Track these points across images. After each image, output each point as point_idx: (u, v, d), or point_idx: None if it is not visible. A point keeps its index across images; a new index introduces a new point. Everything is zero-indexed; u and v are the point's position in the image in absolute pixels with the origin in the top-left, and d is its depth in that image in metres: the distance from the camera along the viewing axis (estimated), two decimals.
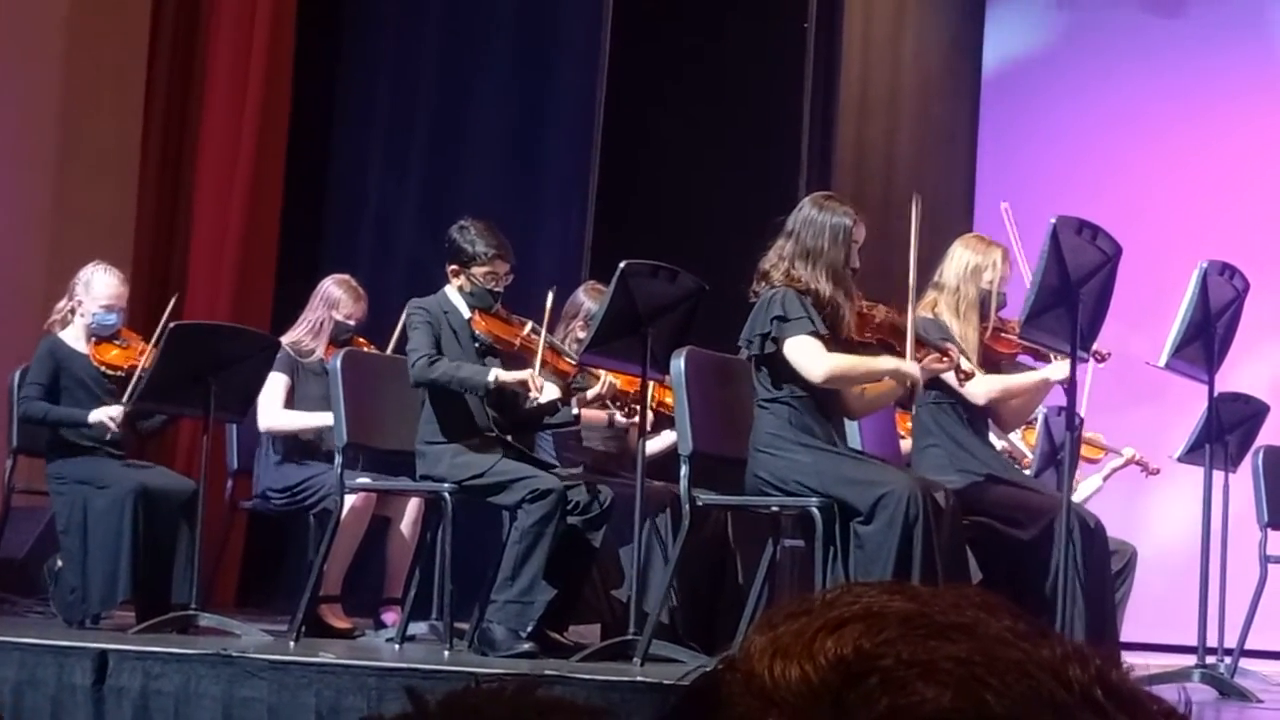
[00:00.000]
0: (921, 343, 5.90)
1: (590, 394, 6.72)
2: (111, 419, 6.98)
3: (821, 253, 5.83)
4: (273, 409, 7.38)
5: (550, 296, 6.62)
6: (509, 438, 6.54)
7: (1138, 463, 7.97)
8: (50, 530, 7.38)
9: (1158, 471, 7.93)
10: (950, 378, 6.01)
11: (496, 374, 6.35)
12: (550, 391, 6.49)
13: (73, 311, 7.25)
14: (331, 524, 6.75)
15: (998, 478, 6.19)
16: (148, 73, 9.67)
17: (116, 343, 7.26)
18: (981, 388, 6.12)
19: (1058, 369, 6.18)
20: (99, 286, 7.23)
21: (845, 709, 0.88)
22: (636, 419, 6.55)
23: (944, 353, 5.86)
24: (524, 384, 6.34)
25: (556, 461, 6.92)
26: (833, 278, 5.83)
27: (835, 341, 5.81)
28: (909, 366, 5.76)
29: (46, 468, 7.17)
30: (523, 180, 9.59)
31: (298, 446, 7.46)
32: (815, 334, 5.76)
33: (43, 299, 7.76)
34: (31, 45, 9.26)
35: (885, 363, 5.81)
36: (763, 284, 5.89)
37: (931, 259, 6.45)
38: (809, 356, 5.76)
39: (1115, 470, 8.00)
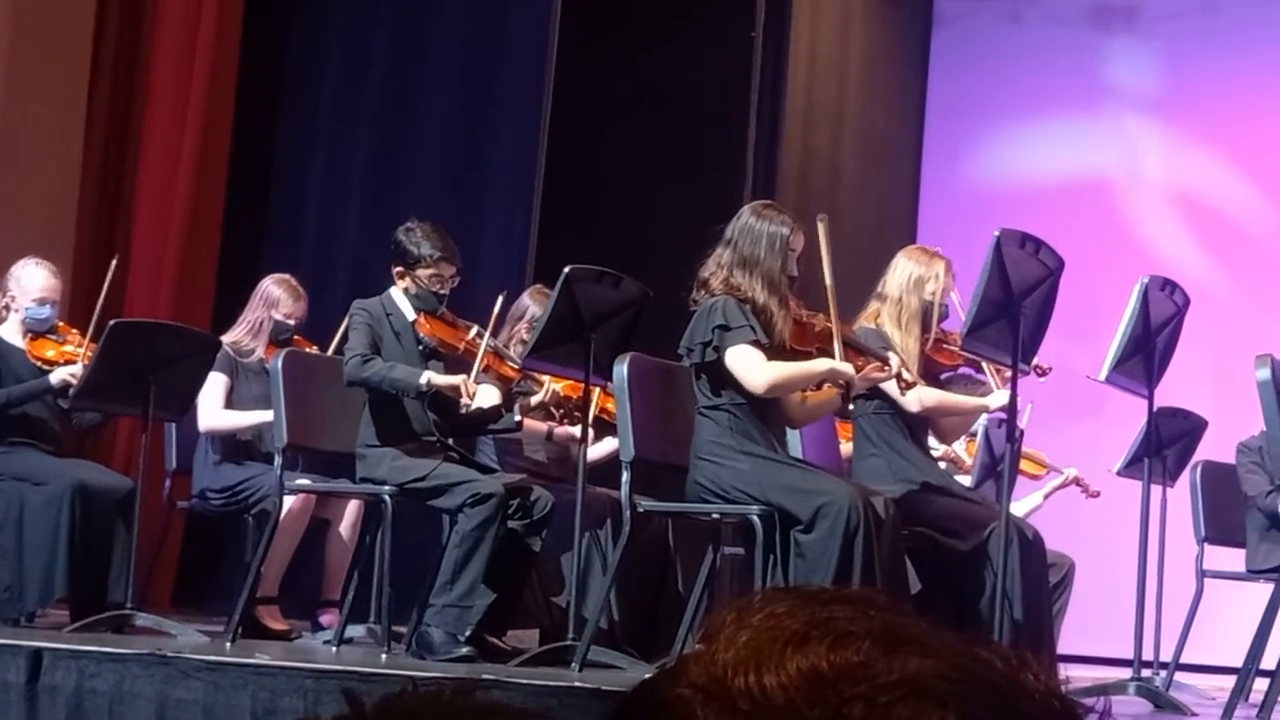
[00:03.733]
0: (862, 351, 5.92)
1: (533, 400, 6.71)
2: (72, 375, 6.94)
3: (758, 261, 5.85)
4: (212, 409, 7.34)
5: (499, 301, 6.61)
6: (450, 441, 6.53)
7: (1078, 483, 8.01)
8: None
9: (1098, 494, 7.98)
10: (891, 386, 6.03)
11: (429, 376, 6.33)
12: (488, 396, 6.47)
13: (6, 308, 7.21)
14: (270, 525, 6.71)
15: (937, 488, 6.21)
16: (91, 69, 9.61)
17: (53, 338, 7.21)
18: (920, 397, 6.14)
19: (997, 398, 6.23)
20: (30, 280, 7.19)
21: None
22: (578, 426, 6.55)
23: (884, 361, 5.87)
24: (456, 389, 6.32)
25: (498, 466, 6.90)
26: (768, 286, 5.84)
27: (769, 349, 5.83)
28: (843, 366, 5.79)
29: None
30: (467, 183, 9.58)
31: (237, 447, 7.42)
32: (756, 343, 5.77)
33: None
34: None
35: (821, 365, 5.83)
36: (702, 292, 5.91)
37: (874, 271, 6.47)
38: (749, 367, 5.77)
39: (1055, 489, 8.05)
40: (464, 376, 6.32)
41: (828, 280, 5.89)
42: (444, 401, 6.46)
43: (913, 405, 6.17)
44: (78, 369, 6.96)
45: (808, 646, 0.89)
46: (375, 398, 6.40)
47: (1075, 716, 0.91)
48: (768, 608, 0.93)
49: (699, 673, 0.92)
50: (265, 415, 7.14)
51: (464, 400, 6.33)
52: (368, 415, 6.42)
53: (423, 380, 6.31)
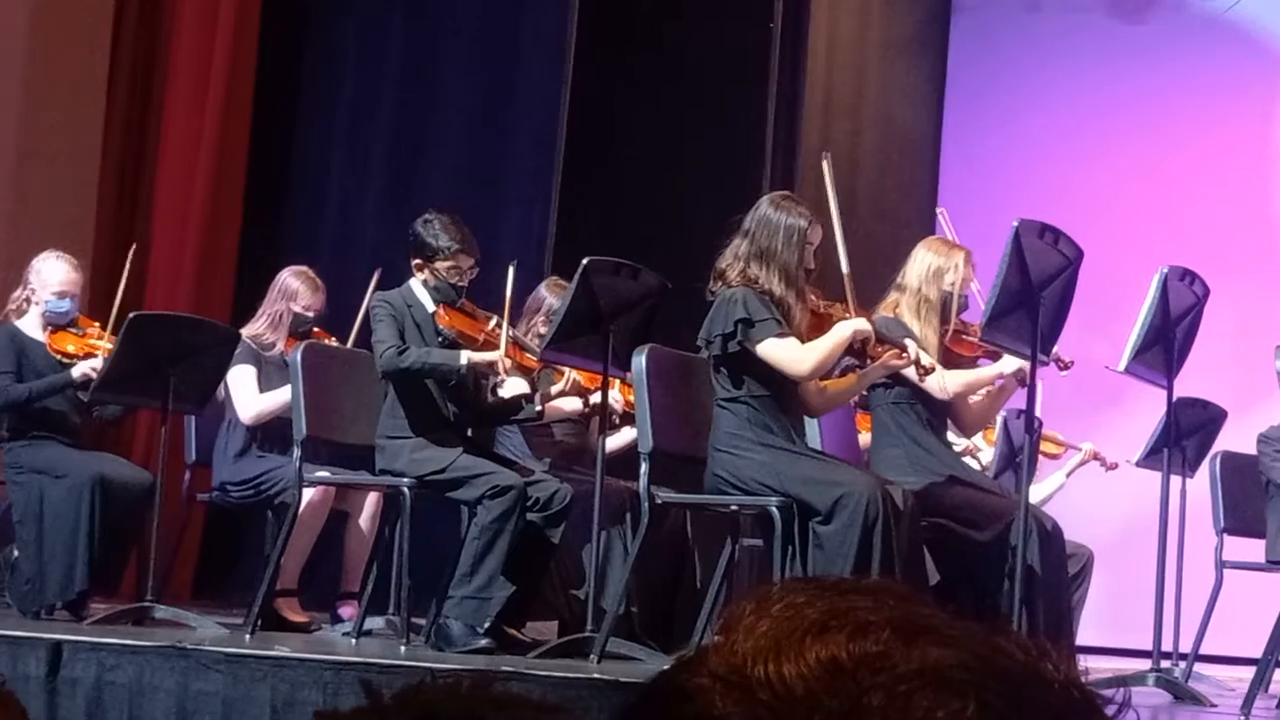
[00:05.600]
0: (880, 339, 5.92)
1: (554, 390, 6.71)
2: (93, 370, 6.95)
3: (775, 253, 5.85)
4: (250, 398, 7.33)
5: (511, 272, 6.60)
6: (469, 433, 6.54)
7: (1096, 457, 7.99)
8: (7, 520, 7.34)
9: (1115, 466, 7.96)
10: (911, 373, 6.03)
11: (468, 355, 6.35)
12: (517, 386, 6.48)
13: (28, 300, 7.22)
14: (289, 517, 6.72)
15: (957, 479, 6.21)
16: (110, 63, 9.62)
17: (73, 331, 7.22)
18: (947, 382, 6.14)
19: (1009, 362, 6.21)
20: (51, 273, 7.20)
21: (846, 716, 0.87)
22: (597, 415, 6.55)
23: (901, 349, 5.87)
24: (493, 365, 6.34)
25: (517, 457, 6.90)
26: (785, 279, 5.84)
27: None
28: (859, 324, 5.81)
29: (3, 457, 7.13)
30: (486, 175, 9.58)
31: (258, 437, 7.42)
32: (783, 333, 5.78)
33: (0, 290, 7.71)
34: None
35: (844, 330, 5.84)
36: (719, 283, 5.91)
37: (894, 262, 6.46)
38: (790, 356, 5.78)
39: (1076, 467, 8.02)
40: (498, 352, 6.34)
41: (844, 269, 5.90)
42: (464, 393, 6.47)
43: (946, 392, 6.17)
44: (99, 363, 6.96)
45: (827, 636, 0.89)
46: (399, 389, 6.40)
47: (1094, 706, 0.91)
48: (787, 598, 0.93)
49: (718, 662, 0.92)
50: None
51: (499, 377, 6.34)
52: (388, 407, 6.42)
53: (463, 360, 6.32)
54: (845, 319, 5.89)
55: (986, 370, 6.33)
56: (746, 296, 5.79)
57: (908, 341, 5.93)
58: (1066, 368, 6.37)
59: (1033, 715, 0.88)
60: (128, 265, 7.44)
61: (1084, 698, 0.91)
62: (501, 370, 6.34)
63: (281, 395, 7.28)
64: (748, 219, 5.94)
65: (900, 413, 6.25)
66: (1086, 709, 0.90)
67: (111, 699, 5.50)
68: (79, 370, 7.01)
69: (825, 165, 6.05)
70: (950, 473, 6.21)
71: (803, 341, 5.85)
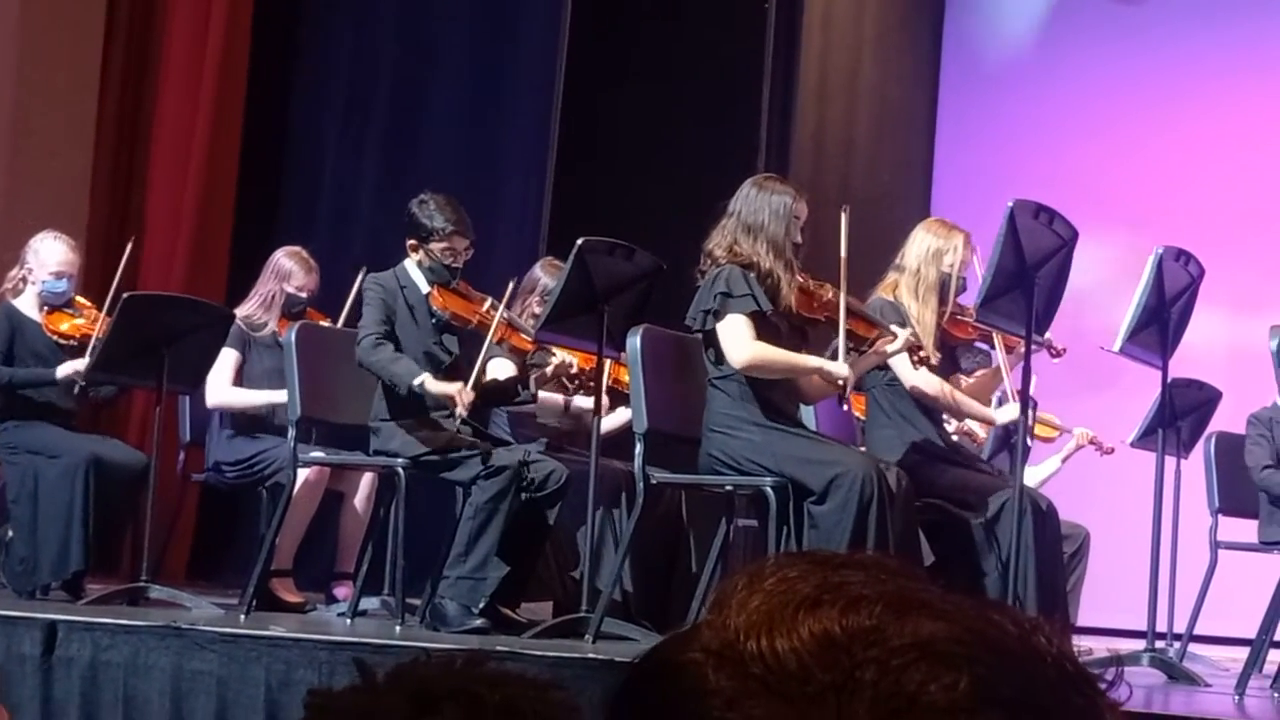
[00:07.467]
0: (873, 324, 5.92)
1: (549, 371, 6.70)
2: (77, 372, 6.94)
3: (762, 227, 5.87)
4: (220, 386, 7.34)
5: (510, 287, 6.60)
6: (464, 414, 6.52)
7: (1092, 442, 7.99)
8: (1, 500, 7.33)
9: (1112, 451, 7.96)
10: (898, 362, 6.03)
11: (425, 379, 6.27)
12: (503, 368, 6.47)
13: (24, 280, 7.21)
14: (284, 498, 6.72)
15: (951, 459, 6.21)
16: (105, 43, 9.60)
17: (69, 312, 7.22)
18: (924, 383, 6.15)
19: (1005, 413, 6.26)
20: (48, 253, 7.19)
21: (839, 690, 0.87)
22: (591, 397, 6.54)
23: (893, 335, 5.88)
24: (450, 399, 6.27)
25: (511, 438, 6.90)
26: (774, 251, 5.86)
27: (775, 314, 5.83)
28: (838, 367, 5.77)
29: None
30: (481, 155, 9.56)
31: (249, 420, 7.42)
32: (757, 313, 5.77)
33: None
34: None
35: (812, 361, 5.84)
36: (708, 262, 5.92)
37: (888, 243, 6.46)
38: (736, 339, 5.78)
39: (1073, 452, 8.02)
40: (459, 385, 6.24)
41: (843, 274, 5.88)
42: (458, 375, 6.46)
43: (913, 389, 6.17)
44: (82, 364, 6.94)
45: (820, 610, 0.89)
46: None
47: (1088, 680, 0.91)
48: (779, 572, 0.93)
49: (711, 637, 0.91)
50: (271, 395, 7.18)
51: (458, 411, 6.25)
52: (383, 388, 6.42)
53: (415, 381, 6.25)
54: (833, 300, 5.88)
55: (976, 407, 6.38)
56: (731, 273, 5.80)
57: (898, 329, 5.92)
58: (1059, 355, 6.37)
59: (1026, 689, 0.88)
60: (125, 257, 7.42)
61: (1077, 671, 0.91)
62: (461, 405, 6.24)
63: (251, 396, 7.32)
64: (732, 201, 5.96)
65: (894, 394, 6.26)
66: (1080, 683, 0.90)
67: (106, 679, 5.50)
68: (63, 371, 6.99)
69: (843, 217, 6.02)
70: (944, 453, 6.22)
71: (792, 314, 5.86)
